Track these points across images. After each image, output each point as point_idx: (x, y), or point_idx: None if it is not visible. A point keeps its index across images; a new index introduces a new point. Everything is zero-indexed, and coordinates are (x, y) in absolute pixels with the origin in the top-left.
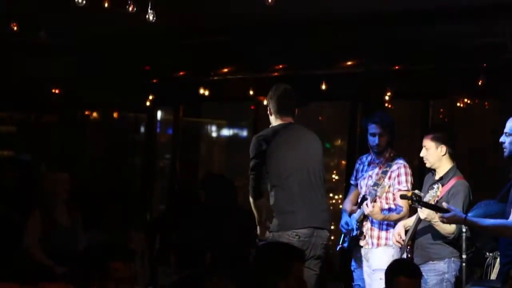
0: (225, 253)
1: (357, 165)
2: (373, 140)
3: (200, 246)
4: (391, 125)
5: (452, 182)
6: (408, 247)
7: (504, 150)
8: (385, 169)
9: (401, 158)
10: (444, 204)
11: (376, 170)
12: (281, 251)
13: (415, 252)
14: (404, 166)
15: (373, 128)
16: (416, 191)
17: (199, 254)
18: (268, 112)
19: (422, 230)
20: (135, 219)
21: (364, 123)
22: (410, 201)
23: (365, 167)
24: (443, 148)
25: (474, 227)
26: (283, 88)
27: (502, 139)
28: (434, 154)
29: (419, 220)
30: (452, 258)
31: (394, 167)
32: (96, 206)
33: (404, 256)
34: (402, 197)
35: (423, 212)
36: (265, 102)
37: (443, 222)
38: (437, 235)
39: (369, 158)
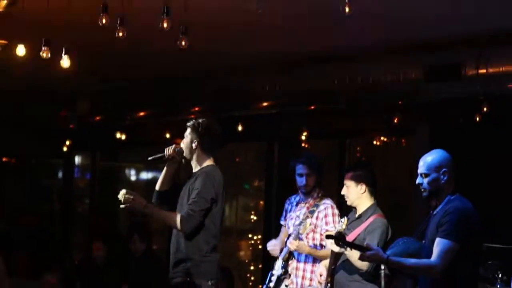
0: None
1: (286, 205)
2: (301, 181)
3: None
4: (319, 165)
5: (370, 219)
6: (328, 284)
7: (423, 191)
8: (312, 209)
9: (328, 199)
10: (367, 243)
11: (304, 210)
12: None
13: None
14: (332, 207)
15: (300, 168)
16: (341, 230)
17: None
18: (193, 147)
19: (340, 267)
20: (53, 264)
21: (292, 163)
22: (334, 241)
23: (293, 207)
24: (362, 186)
25: (396, 267)
26: (216, 126)
27: (418, 180)
28: (354, 192)
29: (336, 256)
30: None
31: (322, 207)
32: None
33: None
34: (328, 237)
35: (333, 245)
36: (188, 137)
37: (363, 260)
38: (354, 271)
39: (297, 198)
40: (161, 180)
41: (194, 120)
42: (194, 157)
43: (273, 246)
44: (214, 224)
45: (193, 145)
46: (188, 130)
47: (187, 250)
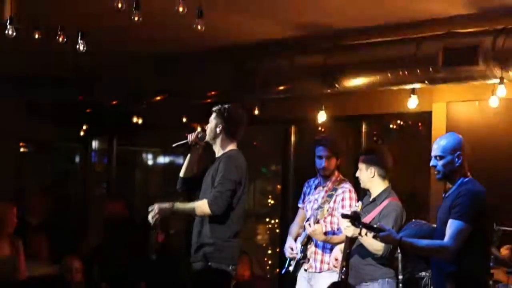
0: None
1: (304, 188)
2: (320, 163)
3: (134, 275)
4: (339, 147)
5: (385, 203)
6: (344, 268)
7: (437, 173)
8: (330, 193)
9: (347, 183)
10: (380, 224)
11: (322, 193)
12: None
13: (350, 273)
14: (350, 191)
15: (320, 150)
16: (357, 211)
17: (134, 284)
18: (217, 132)
19: (355, 251)
20: (72, 249)
21: (312, 145)
22: (350, 220)
23: (312, 190)
24: (372, 170)
25: (409, 248)
26: (241, 111)
27: (433, 162)
28: (365, 175)
29: (351, 240)
30: (386, 279)
31: (340, 191)
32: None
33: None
34: (343, 216)
35: (349, 230)
36: (213, 121)
37: (377, 240)
38: (369, 255)
39: (316, 181)
40: (185, 166)
41: (219, 105)
42: (218, 141)
43: (289, 248)
44: (237, 209)
45: (218, 129)
46: (213, 115)
47: (210, 234)
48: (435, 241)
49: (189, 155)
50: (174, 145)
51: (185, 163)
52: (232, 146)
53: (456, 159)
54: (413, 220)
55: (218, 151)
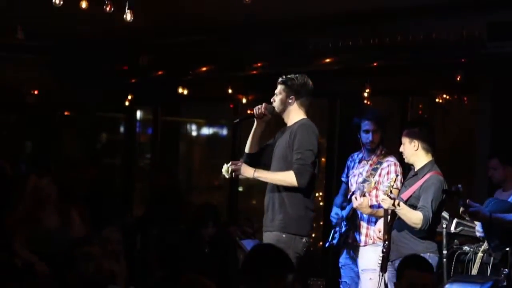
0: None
1: (348, 162)
2: (367, 137)
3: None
4: (384, 122)
5: (426, 176)
6: (386, 242)
7: None
8: (375, 166)
9: (392, 156)
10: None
11: (367, 167)
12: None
13: (392, 247)
14: (395, 164)
15: (367, 125)
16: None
17: (179, 253)
18: (289, 102)
19: (396, 225)
20: (114, 219)
21: (357, 120)
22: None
23: (356, 164)
24: (415, 143)
25: (499, 222)
26: (309, 81)
27: None
28: (408, 149)
29: (392, 214)
30: (428, 254)
31: (385, 164)
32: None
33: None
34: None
35: (385, 202)
36: (283, 93)
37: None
38: (409, 229)
39: (360, 155)
40: (250, 141)
41: (287, 76)
42: (289, 112)
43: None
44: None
45: (290, 100)
46: (282, 87)
47: (288, 205)
48: None
49: (253, 129)
50: (236, 121)
51: (249, 138)
52: (303, 115)
53: None
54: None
55: (289, 121)
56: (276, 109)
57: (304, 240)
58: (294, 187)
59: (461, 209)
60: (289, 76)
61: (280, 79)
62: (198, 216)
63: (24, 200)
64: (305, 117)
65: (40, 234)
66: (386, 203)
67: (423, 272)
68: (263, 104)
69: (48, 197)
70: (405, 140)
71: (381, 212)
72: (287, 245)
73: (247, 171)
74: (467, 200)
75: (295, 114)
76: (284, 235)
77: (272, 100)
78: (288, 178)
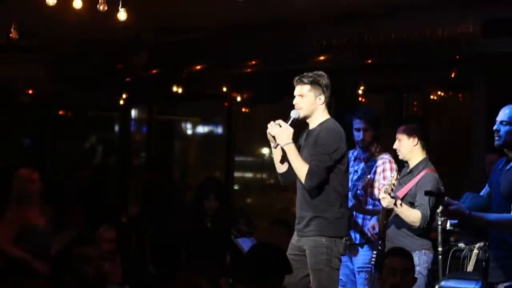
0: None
1: None
2: (358, 135)
3: (175, 243)
4: (376, 119)
5: (422, 174)
6: (381, 240)
7: (497, 138)
8: (370, 164)
9: (386, 154)
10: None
11: (362, 165)
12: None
13: (387, 244)
14: (390, 162)
15: (357, 123)
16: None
17: (175, 251)
18: (317, 103)
19: (391, 222)
20: (108, 218)
21: (349, 118)
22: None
23: (351, 162)
24: (415, 139)
25: (479, 222)
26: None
27: (496, 127)
28: (406, 145)
29: (388, 211)
30: (423, 251)
31: (379, 162)
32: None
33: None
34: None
35: (384, 200)
36: (309, 94)
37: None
38: (405, 227)
39: (355, 153)
40: (278, 160)
41: (310, 75)
42: (316, 114)
43: None
44: (342, 178)
45: (319, 101)
46: (308, 87)
47: (321, 207)
48: (503, 215)
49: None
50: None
51: (275, 158)
52: (327, 115)
53: None
54: (468, 193)
55: (314, 123)
56: (303, 113)
57: (344, 240)
58: (327, 187)
59: (440, 208)
60: (310, 74)
61: (303, 79)
62: (200, 189)
63: (10, 198)
64: (329, 116)
65: (27, 232)
66: (386, 201)
67: (402, 257)
68: (290, 117)
69: (33, 195)
70: (402, 136)
71: (375, 211)
72: (329, 249)
73: (282, 138)
74: (446, 198)
75: (320, 115)
76: (324, 240)
77: (295, 103)
78: (303, 171)
